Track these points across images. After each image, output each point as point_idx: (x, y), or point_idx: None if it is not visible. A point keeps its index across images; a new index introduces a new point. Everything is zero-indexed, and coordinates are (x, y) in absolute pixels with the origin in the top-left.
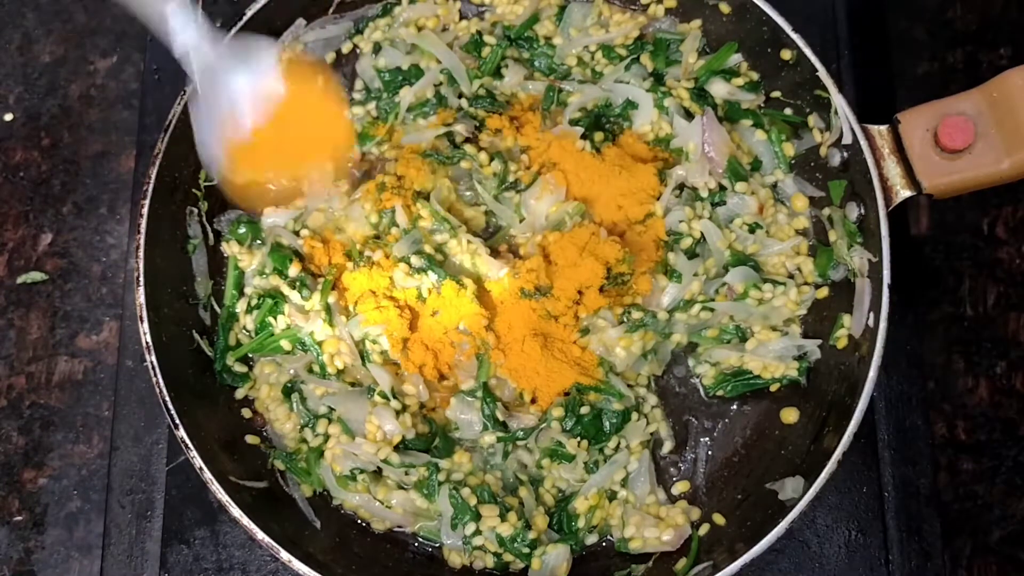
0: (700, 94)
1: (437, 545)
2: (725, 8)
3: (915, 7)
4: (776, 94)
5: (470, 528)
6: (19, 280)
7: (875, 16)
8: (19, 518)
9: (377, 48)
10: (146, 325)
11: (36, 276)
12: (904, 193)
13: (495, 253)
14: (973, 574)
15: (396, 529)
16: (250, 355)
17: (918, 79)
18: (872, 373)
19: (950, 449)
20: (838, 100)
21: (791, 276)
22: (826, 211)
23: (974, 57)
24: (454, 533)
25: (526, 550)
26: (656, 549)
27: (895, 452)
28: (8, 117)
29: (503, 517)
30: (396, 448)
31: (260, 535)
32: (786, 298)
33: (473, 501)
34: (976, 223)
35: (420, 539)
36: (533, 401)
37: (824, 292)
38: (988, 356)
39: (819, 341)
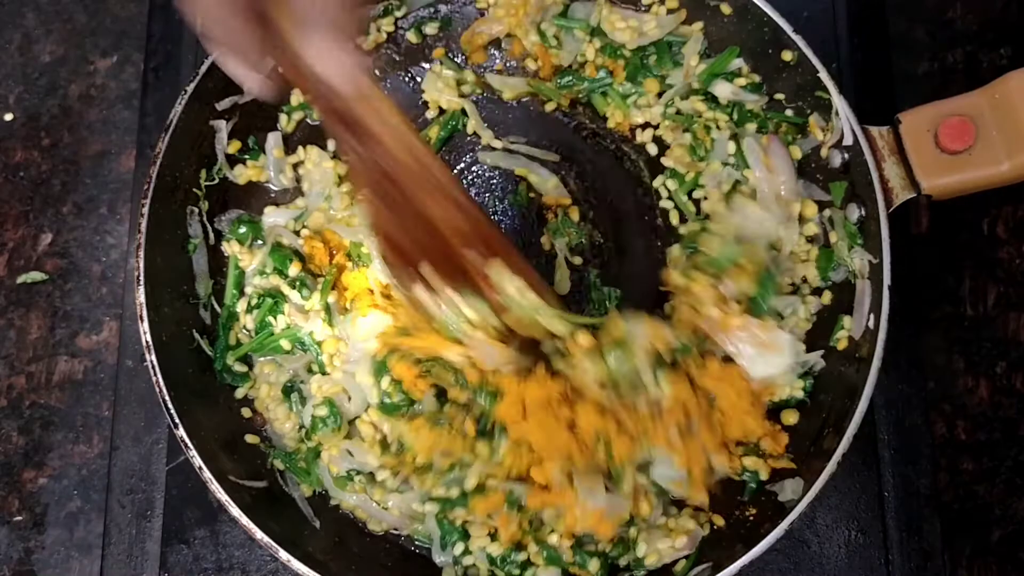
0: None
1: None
2: (726, 9)
3: (915, 7)
4: (780, 96)
5: (459, 548)
6: (19, 280)
7: (875, 16)
8: (19, 518)
9: None
10: (146, 324)
11: (36, 276)
12: (904, 195)
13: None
14: (973, 574)
15: (392, 532)
16: (250, 355)
17: (918, 79)
18: (872, 375)
19: (950, 449)
20: (839, 101)
21: (795, 286)
22: (827, 212)
23: (974, 57)
24: (444, 552)
25: (516, 571)
26: (673, 558)
27: (895, 452)
28: (8, 117)
29: (493, 536)
30: None
31: (259, 534)
32: (797, 318)
33: (460, 521)
34: (976, 223)
35: (416, 543)
36: None
37: (828, 298)
38: (988, 356)
39: (822, 352)
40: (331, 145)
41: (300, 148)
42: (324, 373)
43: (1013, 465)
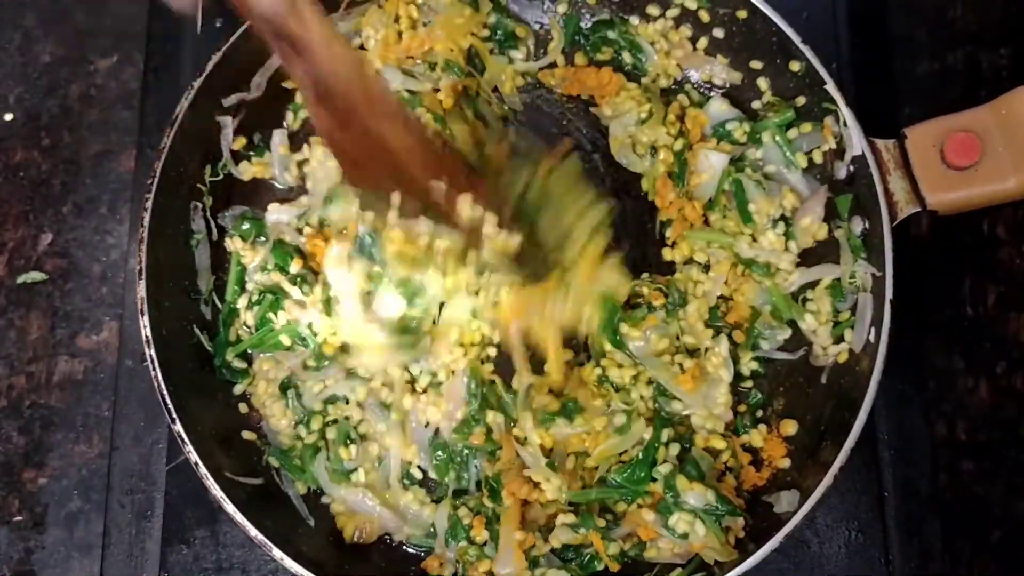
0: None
1: (428, 548)
2: (741, 15)
3: (915, 7)
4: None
5: (463, 544)
6: (19, 280)
7: (875, 16)
8: (19, 518)
9: None
10: (146, 318)
11: (36, 276)
12: (909, 209)
13: None
14: (973, 574)
15: (385, 535)
16: (249, 351)
17: (918, 79)
18: (872, 389)
19: (950, 449)
20: (846, 113)
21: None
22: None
23: (974, 57)
24: (448, 548)
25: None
26: (667, 560)
27: (895, 452)
28: (8, 117)
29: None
30: None
31: (253, 532)
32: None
33: (468, 519)
34: (976, 223)
35: (411, 543)
36: None
37: (845, 356)
38: (988, 356)
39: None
40: None
41: (305, 145)
42: (319, 368)
43: (1013, 465)
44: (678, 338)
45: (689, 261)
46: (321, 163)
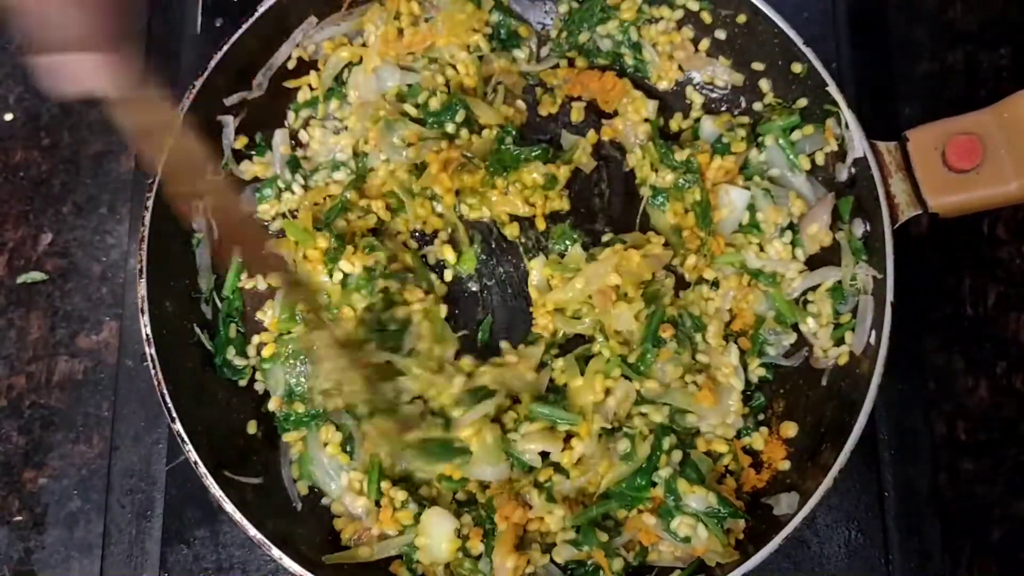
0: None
1: None
2: (741, 18)
3: (915, 7)
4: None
5: (459, 556)
6: (19, 280)
7: (875, 16)
8: (19, 518)
9: None
10: (146, 318)
11: (36, 276)
12: (910, 212)
13: None
14: (973, 574)
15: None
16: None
17: (918, 79)
18: (872, 391)
19: (950, 449)
20: (848, 115)
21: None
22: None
23: (974, 57)
24: None
25: None
26: (669, 564)
27: (895, 452)
28: (8, 117)
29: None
30: None
31: (252, 531)
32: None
33: (466, 530)
34: (976, 223)
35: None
36: None
37: (845, 359)
38: (988, 356)
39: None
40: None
41: (303, 131)
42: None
43: (1013, 465)
44: (693, 358)
45: (699, 281)
46: (322, 144)
